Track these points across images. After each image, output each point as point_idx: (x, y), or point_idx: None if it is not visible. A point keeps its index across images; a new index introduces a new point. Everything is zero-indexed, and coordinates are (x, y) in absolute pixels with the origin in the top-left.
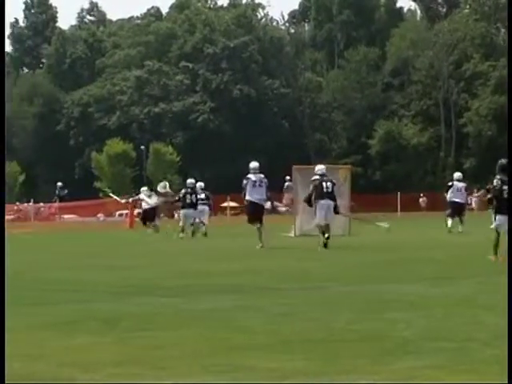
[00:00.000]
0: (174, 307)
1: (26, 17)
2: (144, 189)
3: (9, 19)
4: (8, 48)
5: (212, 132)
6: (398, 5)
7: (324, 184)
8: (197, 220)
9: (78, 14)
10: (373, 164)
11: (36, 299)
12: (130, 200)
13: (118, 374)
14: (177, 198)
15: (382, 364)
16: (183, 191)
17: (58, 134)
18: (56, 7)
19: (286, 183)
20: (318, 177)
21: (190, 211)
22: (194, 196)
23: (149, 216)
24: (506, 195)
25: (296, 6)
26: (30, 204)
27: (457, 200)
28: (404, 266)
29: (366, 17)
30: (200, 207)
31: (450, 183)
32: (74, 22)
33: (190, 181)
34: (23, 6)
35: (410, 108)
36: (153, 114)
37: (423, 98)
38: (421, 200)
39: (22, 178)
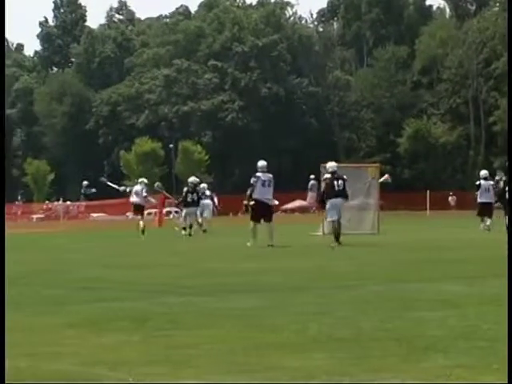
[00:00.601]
0: (201, 306)
1: (55, 16)
2: (139, 180)
3: (38, 18)
4: (37, 47)
5: (240, 131)
6: (427, 3)
7: (335, 182)
8: (200, 214)
9: (107, 12)
10: (402, 162)
11: (62, 298)
12: (128, 190)
13: (145, 374)
14: (180, 199)
15: (411, 363)
16: (185, 189)
17: (87, 133)
18: (85, 6)
19: (311, 182)
20: (329, 175)
21: (193, 209)
22: (195, 195)
23: (136, 210)
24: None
25: (324, 5)
26: (60, 203)
27: (484, 200)
28: (434, 265)
29: (394, 15)
30: (205, 201)
31: (477, 182)
32: (102, 20)
33: (191, 179)
34: (52, 5)
35: (439, 106)
36: (181, 112)
37: (452, 96)
38: (450, 198)
39: (51, 176)
